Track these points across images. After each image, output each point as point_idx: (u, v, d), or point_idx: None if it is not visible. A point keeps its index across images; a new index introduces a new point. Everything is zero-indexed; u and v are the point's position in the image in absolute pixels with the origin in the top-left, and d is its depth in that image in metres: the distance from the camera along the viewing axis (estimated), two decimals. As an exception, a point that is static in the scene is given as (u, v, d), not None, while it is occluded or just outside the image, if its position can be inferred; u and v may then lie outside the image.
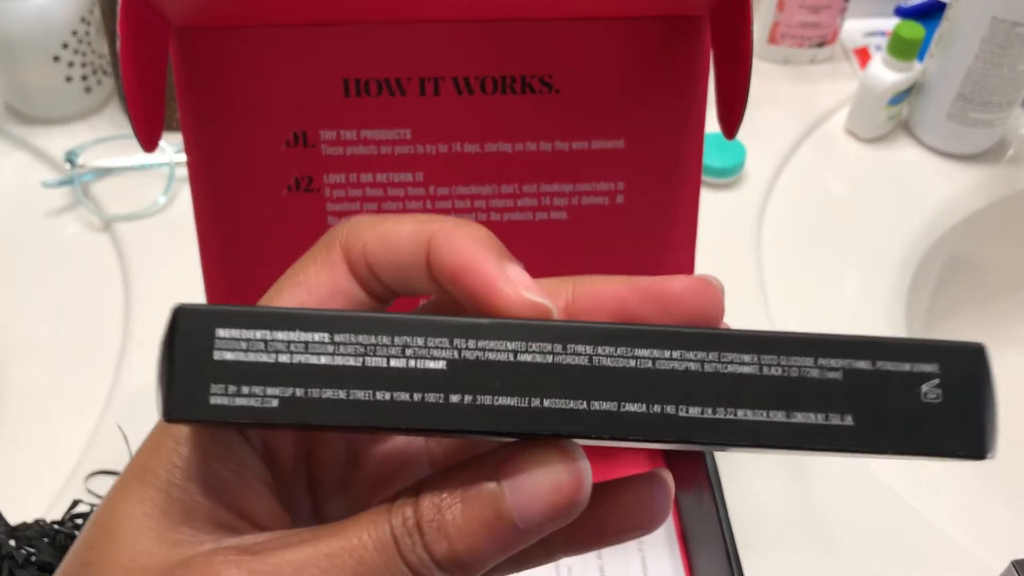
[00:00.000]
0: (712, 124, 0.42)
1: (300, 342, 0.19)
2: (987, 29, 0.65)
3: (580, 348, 0.19)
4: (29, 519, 0.46)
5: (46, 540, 0.44)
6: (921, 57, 0.71)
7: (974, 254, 0.72)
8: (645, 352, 0.19)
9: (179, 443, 0.21)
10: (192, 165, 0.43)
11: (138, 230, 0.64)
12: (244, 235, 0.44)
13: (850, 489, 0.52)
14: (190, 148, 0.42)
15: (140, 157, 0.67)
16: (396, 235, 0.21)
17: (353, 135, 0.43)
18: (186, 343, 0.19)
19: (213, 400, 0.18)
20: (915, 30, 0.68)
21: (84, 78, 0.70)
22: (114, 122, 0.71)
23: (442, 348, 0.19)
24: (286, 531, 0.21)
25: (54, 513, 0.48)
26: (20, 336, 0.58)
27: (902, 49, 0.68)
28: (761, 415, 0.19)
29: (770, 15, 0.78)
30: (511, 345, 0.19)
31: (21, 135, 0.70)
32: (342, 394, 0.19)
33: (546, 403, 0.19)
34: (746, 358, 0.19)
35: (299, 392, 0.18)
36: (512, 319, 0.19)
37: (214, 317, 0.19)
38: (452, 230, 0.21)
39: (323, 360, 0.19)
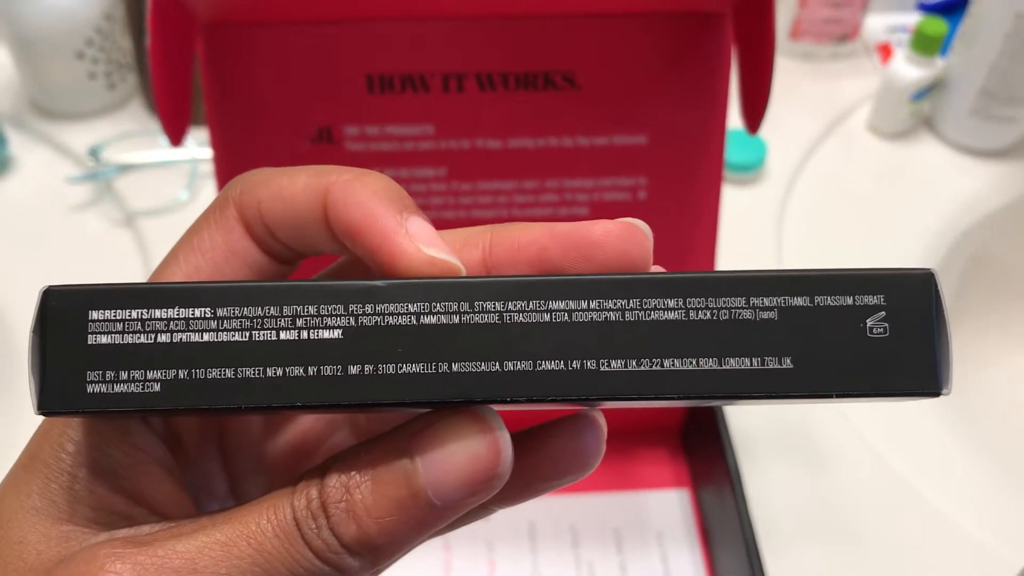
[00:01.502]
0: (733, 120, 0.42)
1: (180, 319, 0.17)
2: (1011, 25, 0.65)
3: (489, 305, 0.17)
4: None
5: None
6: (944, 53, 0.71)
7: (997, 252, 0.72)
8: (560, 304, 0.17)
9: (69, 426, 0.19)
10: (218, 160, 0.43)
11: (161, 225, 0.65)
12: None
13: (870, 484, 0.52)
14: (216, 143, 0.43)
15: (163, 153, 0.68)
16: (290, 190, 0.19)
17: (377, 131, 0.43)
18: (57, 328, 0.17)
19: (90, 388, 0.17)
20: (938, 26, 0.68)
21: (108, 74, 0.71)
22: (137, 118, 0.72)
23: (336, 316, 0.17)
24: (184, 520, 0.19)
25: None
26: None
27: (925, 45, 0.68)
28: (691, 363, 0.17)
29: (792, 11, 0.78)
30: (413, 307, 0.17)
31: (45, 131, 0.71)
32: (229, 373, 0.17)
33: (455, 367, 0.17)
34: (670, 303, 0.17)
35: (182, 374, 0.17)
36: (413, 279, 0.18)
37: (85, 297, 0.17)
38: (349, 182, 0.19)
39: (206, 337, 0.17)
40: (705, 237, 0.46)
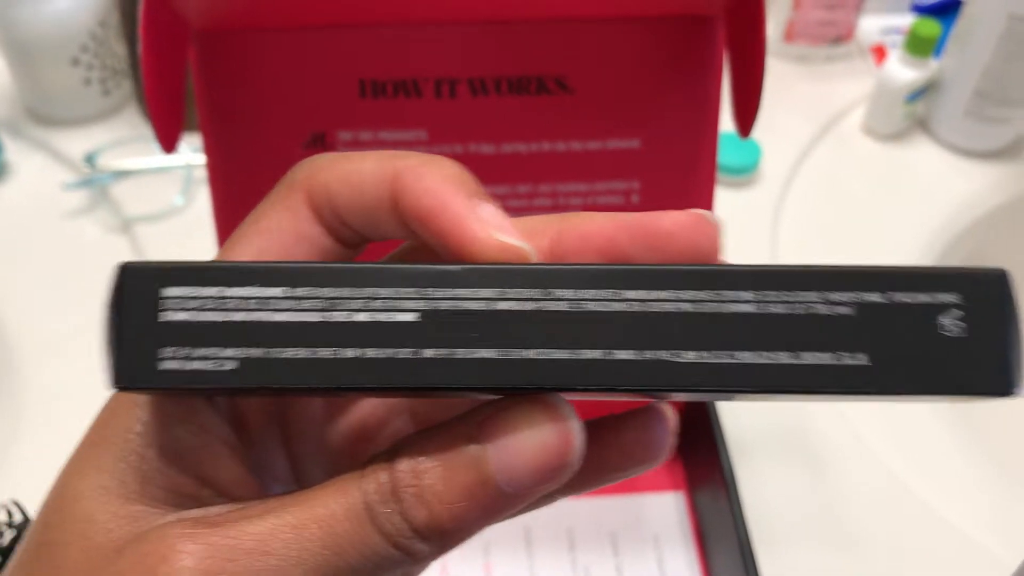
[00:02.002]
0: (727, 123, 0.42)
1: (255, 298, 0.17)
2: (1004, 26, 0.65)
3: (562, 293, 0.17)
4: (51, 517, 0.46)
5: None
6: (938, 54, 0.71)
7: (992, 252, 0.72)
8: (633, 294, 0.17)
9: (137, 406, 0.19)
10: (211, 166, 0.43)
11: (157, 231, 0.65)
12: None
13: (866, 486, 0.52)
14: (209, 149, 0.43)
15: (158, 159, 0.68)
16: (359, 175, 0.19)
17: (370, 136, 0.43)
18: (133, 304, 0.17)
19: (164, 365, 0.17)
20: (932, 27, 0.68)
21: (103, 81, 0.71)
22: (132, 124, 0.72)
23: (412, 299, 0.17)
24: (252, 501, 0.19)
25: (76, 511, 0.48)
26: (40, 336, 0.59)
27: (919, 46, 0.68)
28: (765, 357, 0.17)
29: (786, 13, 0.78)
30: (486, 293, 0.17)
31: (41, 137, 0.71)
32: (304, 353, 0.17)
33: (528, 354, 0.17)
34: (746, 295, 0.17)
35: (257, 353, 0.17)
36: (486, 264, 0.18)
37: (161, 275, 0.17)
38: (418, 167, 0.19)
39: (282, 317, 0.17)
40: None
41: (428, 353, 0.17)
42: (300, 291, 0.17)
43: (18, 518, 0.46)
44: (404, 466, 0.18)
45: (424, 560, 0.19)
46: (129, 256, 0.63)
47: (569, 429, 0.18)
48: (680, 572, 0.48)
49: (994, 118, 0.69)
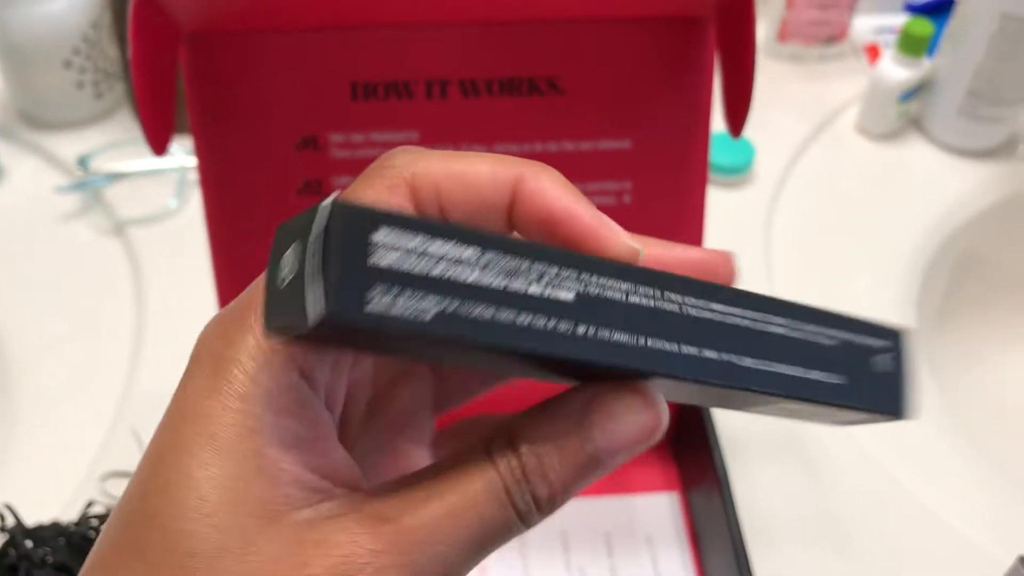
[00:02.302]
0: (720, 123, 0.43)
1: (453, 257, 0.18)
2: (997, 25, 0.65)
3: (673, 296, 0.20)
4: (45, 520, 0.46)
5: (62, 540, 0.45)
6: (931, 53, 0.71)
7: (985, 251, 0.72)
8: (718, 307, 0.21)
9: (246, 401, 0.20)
10: (202, 169, 0.43)
11: (150, 234, 0.65)
12: (255, 238, 0.45)
13: (859, 485, 0.52)
14: (200, 152, 0.43)
15: (151, 161, 0.68)
16: (475, 176, 0.21)
17: (361, 138, 0.43)
18: (345, 243, 0.17)
19: (369, 307, 0.17)
20: (925, 26, 0.68)
21: (95, 83, 0.71)
22: (125, 127, 0.72)
23: (571, 280, 0.19)
24: (378, 491, 0.20)
25: (70, 514, 0.48)
26: (35, 339, 0.59)
27: (912, 45, 0.68)
28: (789, 369, 0.22)
29: (779, 13, 0.78)
30: (623, 286, 0.20)
31: (34, 140, 0.71)
32: (489, 313, 0.18)
33: (648, 343, 0.20)
34: (779, 320, 0.22)
35: (452, 307, 0.17)
36: (620, 263, 0.20)
37: (373, 217, 0.17)
38: (539, 174, 0.21)
39: (473, 277, 0.18)
40: (691, 240, 0.46)
41: (580, 330, 0.19)
42: (489, 255, 0.18)
43: (10, 522, 0.46)
44: (526, 450, 0.20)
45: (534, 526, 0.22)
46: (122, 259, 0.63)
47: (660, 413, 0.21)
48: (674, 572, 0.48)
49: (987, 117, 0.70)
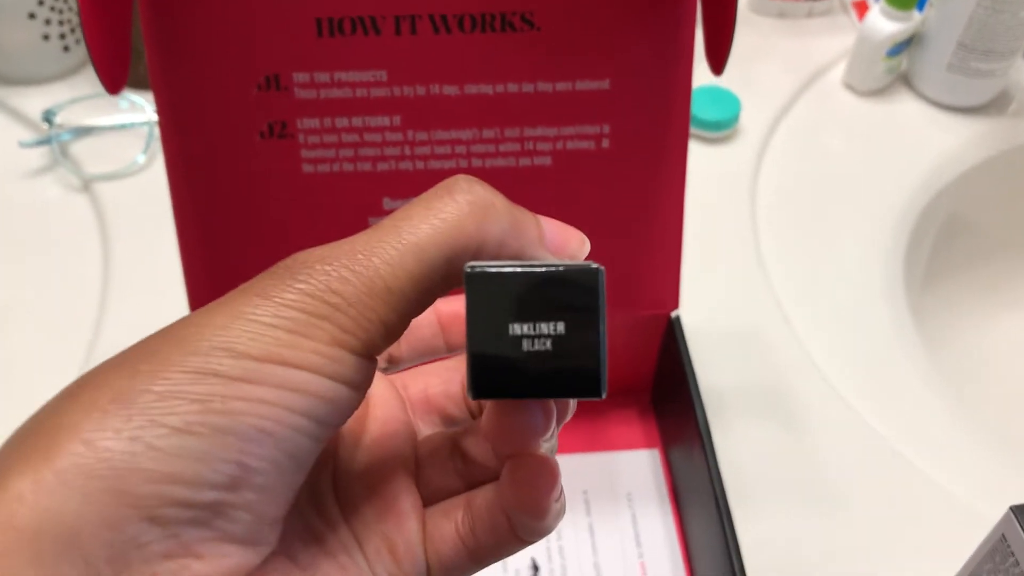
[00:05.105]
0: (705, 76, 0.41)
1: None
2: (988, -25, 0.63)
3: None
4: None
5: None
6: (921, 7, 0.69)
7: (973, 210, 0.70)
8: None
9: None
10: (162, 114, 0.41)
11: (118, 190, 0.63)
12: (218, 184, 0.43)
13: (844, 442, 0.51)
14: (159, 94, 0.41)
15: (119, 116, 0.66)
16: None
17: (327, 77, 0.41)
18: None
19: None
20: (914, -22, 0.66)
21: (62, 36, 0.68)
22: (92, 82, 0.70)
23: None
24: None
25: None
26: (-3, 297, 0.57)
27: (901, -2, 0.66)
28: None
29: (766, -33, 0.76)
30: None
31: (-2, 95, 0.69)
32: None
33: None
34: None
35: None
36: None
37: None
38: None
39: None
40: (672, 187, 0.45)
41: None
42: None
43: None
44: None
45: None
46: (89, 216, 0.61)
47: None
48: (655, 530, 0.47)
49: (978, 71, 0.68)
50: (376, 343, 0.20)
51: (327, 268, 0.20)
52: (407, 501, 0.24)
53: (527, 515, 0.23)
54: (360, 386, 0.20)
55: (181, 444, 0.18)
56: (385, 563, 0.23)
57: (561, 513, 0.24)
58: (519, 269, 0.20)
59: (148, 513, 0.17)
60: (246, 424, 0.18)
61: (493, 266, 0.20)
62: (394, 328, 0.20)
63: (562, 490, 0.24)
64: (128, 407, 0.18)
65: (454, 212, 0.21)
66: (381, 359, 0.26)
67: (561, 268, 0.20)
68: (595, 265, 0.20)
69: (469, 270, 0.20)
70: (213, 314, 0.19)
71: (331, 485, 0.24)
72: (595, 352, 0.20)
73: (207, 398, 0.18)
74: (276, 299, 0.19)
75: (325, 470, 0.24)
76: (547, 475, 0.23)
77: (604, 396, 0.20)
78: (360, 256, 0.20)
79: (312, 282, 0.19)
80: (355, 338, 0.19)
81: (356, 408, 0.21)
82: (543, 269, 0.20)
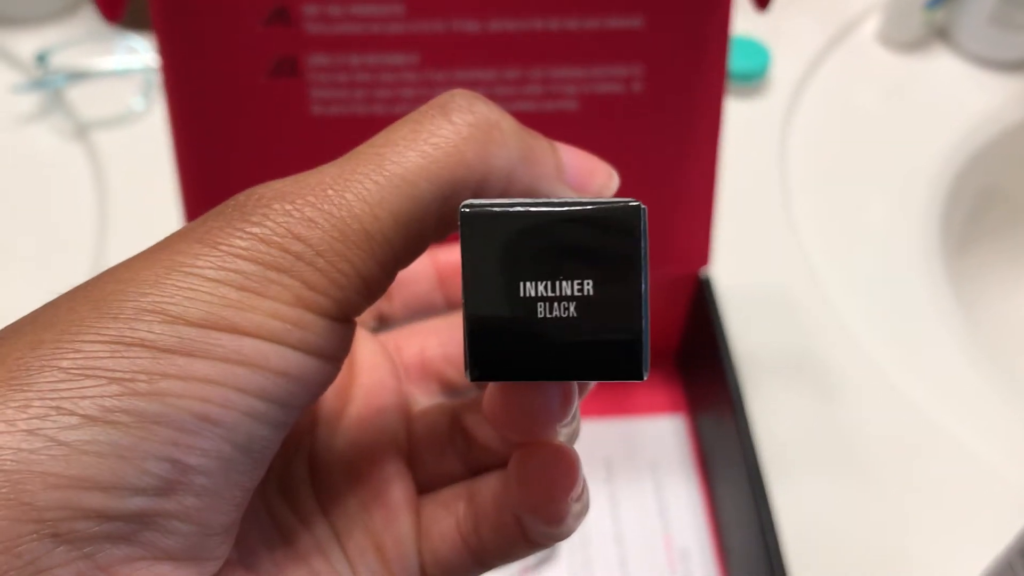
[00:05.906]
0: (737, 24, 0.38)
1: None
2: (1038, -80, 0.60)
3: None
4: None
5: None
6: (962, -45, 0.65)
7: (1014, 173, 0.67)
8: None
9: None
10: (163, 52, 0.38)
11: (115, 138, 0.60)
12: (221, 127, 0.40)
13: (877, 409, 0.48)
14: (160, 30, 0.38)
15: (116, 60, 0.62)
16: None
17: (339, 11, 0.38)
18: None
19: None
20: (958, -77, 0.62)
21: (56, -25, 0.65)
22: (88, 23, 0.66)
23: None
24: None
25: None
26: (-12, 248, 0.54)
27: (943, -55, 0.63)
28: None
29: (797, -87, 0.72)
30: None
31: (-10, 37, 0.65)
32: None
33: None
34: None
35: None
36: None
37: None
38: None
39: None
40: (707, 138, 0.42)
41: None
42: None
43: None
44: None
45: None
46: (84, 164, 0.58)
47: None
48: (680, 500, 0.44)
49: (1022, 25, 0.64)
50: (353, 302, 0.16)
51: (288, 207, 0.15)
52: (398, 489, 0.20)
53: (539, 518, 0.18)
54: (334, 356, 0.16)
55: (95, 437, 0.14)
56: (369, 563, 0.19)
57: (583, 513, 0.19)
58: (532, 208, 0.15)
59: (52, 529, 0.13)
60: (182, 409, 0.14)
61: (498, 204, 0.15)
62: (375, 282, 0.16)
63: (584, 486, 0.19)
64: (25, 389, 0.14)
65: (450, 136, 0.17)
66: (368, 317, 0.21)
67: (589, 206, 0.15)
68: (634, 201, 0.15)
69: (467, 210, 0.15)
70: (140, 266, 0.15)
71: (307, 472, 0.20)
72: (634, 319, 0.15)
73: (130, 376, 0.14)
74: (223, 247, 0.15)
75: (299, 454, 0.20)
76: (564, 470, 0.18)
77: (646, 377, 0.15)
78: (331, 192, 0.16)
79: (269, 224, 0.15)
80: (325, 296, 0.15)
81: (330, 383, 0.17)
82: (564, 208, 0.15)
